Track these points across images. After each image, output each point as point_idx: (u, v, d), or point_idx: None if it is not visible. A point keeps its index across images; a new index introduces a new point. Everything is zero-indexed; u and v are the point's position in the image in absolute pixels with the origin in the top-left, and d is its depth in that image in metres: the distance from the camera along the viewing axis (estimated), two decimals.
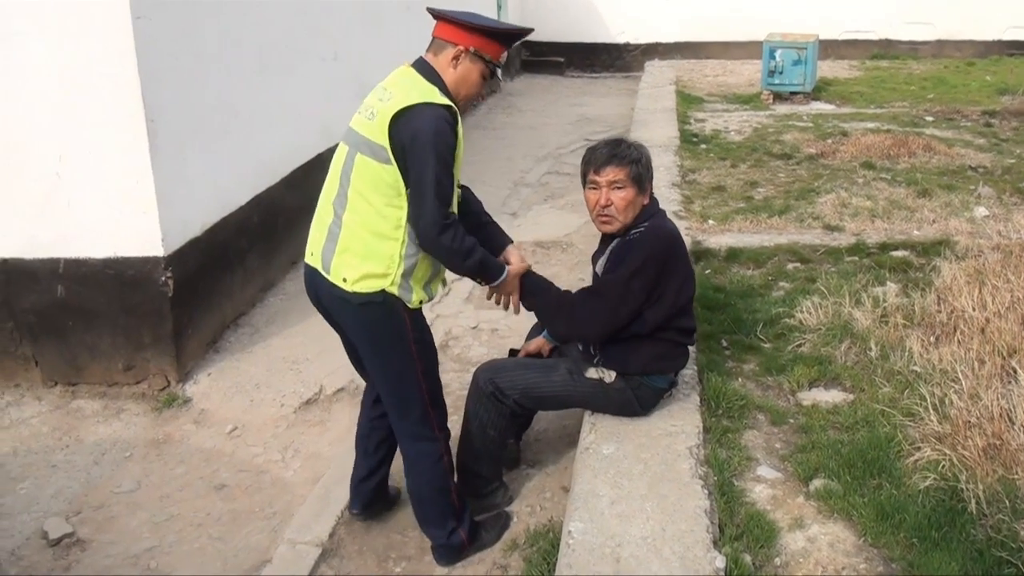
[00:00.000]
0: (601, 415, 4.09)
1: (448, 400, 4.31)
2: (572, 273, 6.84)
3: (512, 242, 3.92)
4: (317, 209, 3.64)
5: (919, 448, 3.92)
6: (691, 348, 4.35)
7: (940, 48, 16.63)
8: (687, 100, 12.89)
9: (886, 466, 3.87)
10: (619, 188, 3.82)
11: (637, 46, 17.54)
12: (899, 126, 10.86)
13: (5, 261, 5.39)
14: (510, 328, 6.00)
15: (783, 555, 3.42)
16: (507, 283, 3.74)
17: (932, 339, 4.92)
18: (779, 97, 12.85)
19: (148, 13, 5.05)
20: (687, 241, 6.53)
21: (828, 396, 4.59)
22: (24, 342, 5.50)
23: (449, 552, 3.91)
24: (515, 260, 3.81)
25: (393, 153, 3.31)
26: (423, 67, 3.51)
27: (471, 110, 13.40)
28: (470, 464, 4.12)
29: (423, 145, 3.27)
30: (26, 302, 5.43)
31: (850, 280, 5.80)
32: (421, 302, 3.56)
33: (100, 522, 4.35)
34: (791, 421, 4.35)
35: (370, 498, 4.15)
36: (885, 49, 16.79)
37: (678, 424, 4.03)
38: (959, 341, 4.82)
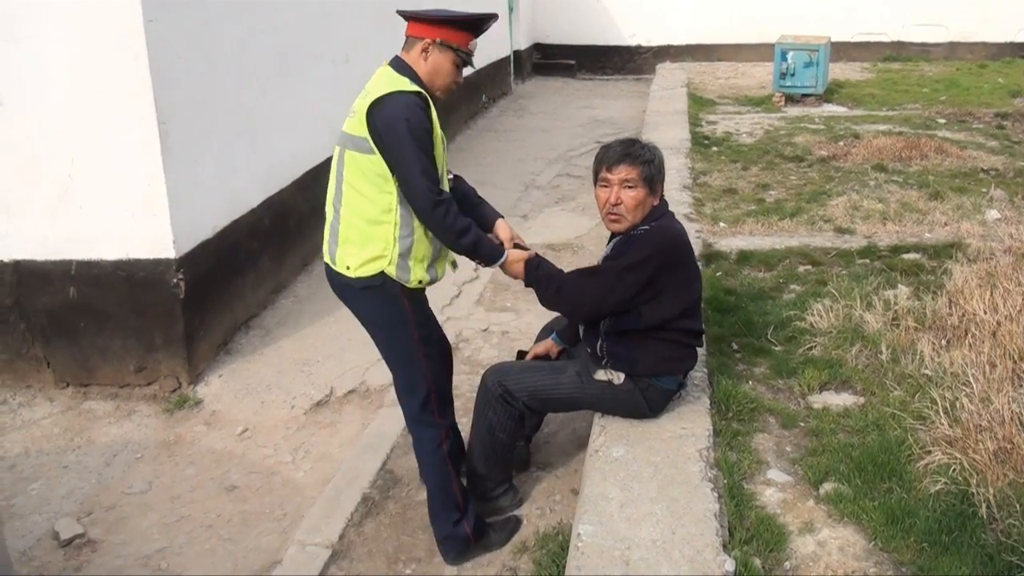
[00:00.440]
0: (611, 418, 4.09)
1: (458, 403, 4.38)
2: None
3: (502, 216, 4.00)
4: (326, 213, 3.80)
5: (930, 452, 3.90)
6: (700, 350, 4.35)
7: (952, 50, 16.59)
8: (698, 102, 12.88)
9: (896, 470, 3.86)
10: (630, 187, 3.82)
11: (649, 48, 17.54)
12: (911, 128, 10.84)
13: (17, 263, 5.41)
14: (520, 331, 6.00)
15: (793, 559, 3.41)
16: (509, 267, 3.84)
17: (943, 342, 4.91)
18: (791, 99, 12.83)
19: (160, 16, 5.07)
20: (698, 243, 6.56)
21: (839, 399, 4.57)
22: (36, 343, 5.53)
23: (454, 544, 3.95)
24: (504, 234, 3.91)
25: (374, 143, 3.49)
26: (398, 63, 3.68)
27: (482, 111, 13.43)
28: (479, 466, 4.12)
29: (397, 131, 3.45)
30: (38, 303, 5.45)
31: (861, 283, 5.78)
32: (421, 282, 3.69)
33: (111, 523, 4.36)
34: (801, 424, 4.34)
35: None
36: (897, 51, 16.76)
37: (688, 427, 4.02)
38: (970, 344, 4.80)
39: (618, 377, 3.93)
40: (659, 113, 11.90)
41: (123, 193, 5.21)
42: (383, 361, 5.36)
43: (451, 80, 3.69)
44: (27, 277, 5.43)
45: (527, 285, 3.90)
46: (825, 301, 5.46)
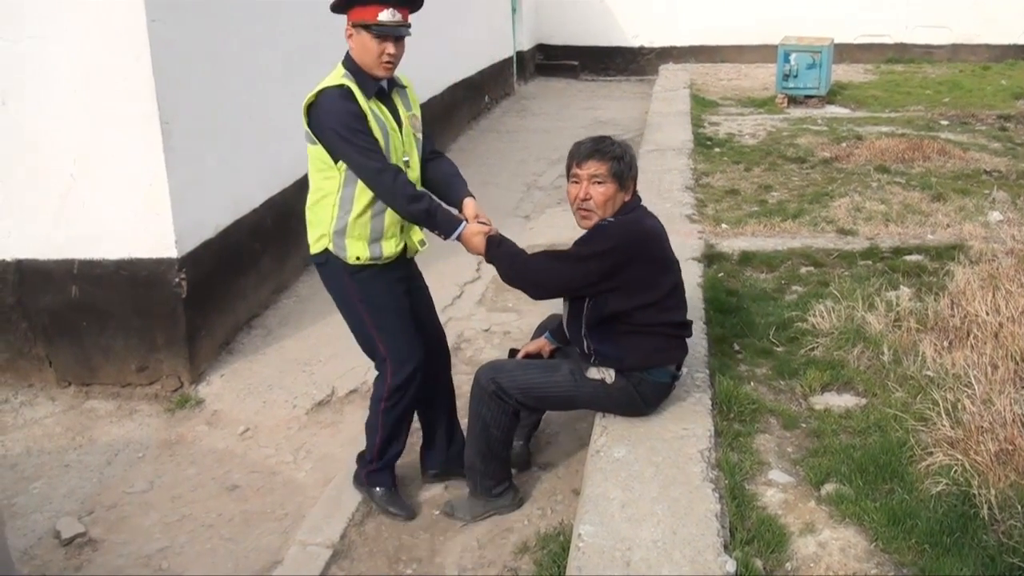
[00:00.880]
0: (612, 418, 4.09)
1: (460, 403, 4.36)
2: None
3: (472, 196, 4.09)
4: None
5: (931, 453, 3.89)
6: (704, 352, 4.34)
7: (955, 52, 16.58)
8: (701, 103, 12.88)
9: (898, 471, 3.86)
10: (599, 183, 3.86)
11: (651, 49, 17.54)
12: (914, 130, 10.83)
13: (20, 262, 5.42)
14: (522, 331, 6.00)
15: (794, 560, 3.40)
16: (467, 240, 3.93)
17: (945, 344, 4.90)
18: (793, 101, 12.83)
19: (163, 16, 5.08)
20: (700, 244, 6.57)
21: (840, 400, 4.57)
22: (38, 342, 5.53)
23: (357, 475, 4.39)
24: (469, 211, 4.00)
25: (314, 133, 3.85)
26: (345, 56, 3.92)
27: (484, 111, 13.44)
28: (477, 464, 4.13)
29: (326, 125, 3.77)
30: (40, 303, 5.46)
31: (863, 284, 5.78)
32: (359, 258, 3.93)
33: (112, 522, 4.36)
34: (803, 425, 4.34)
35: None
36: (900, 53, 16.76)
37: (690, 427, 4.02)
38: (972, 346, 4.80)
39: (610, 375, 3.94)
40: (662, 114, 11.91)
41: (126, 193, 5.22)
42: None
43: (378, 55, 3.81)
44: (29, 276, 5.43)
45: (488, 261, 3.96)
46: (827, 302, 5.45)
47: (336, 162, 3.83)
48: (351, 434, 4.94)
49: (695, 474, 3.68)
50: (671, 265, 4.03)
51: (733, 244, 6.80)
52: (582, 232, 3.96)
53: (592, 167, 3.86)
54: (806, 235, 7.03)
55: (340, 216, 3.89)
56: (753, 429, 4.25)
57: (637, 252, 3.83)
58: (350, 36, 3.84)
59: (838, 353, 4.97)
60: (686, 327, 4.13)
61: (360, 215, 3.88)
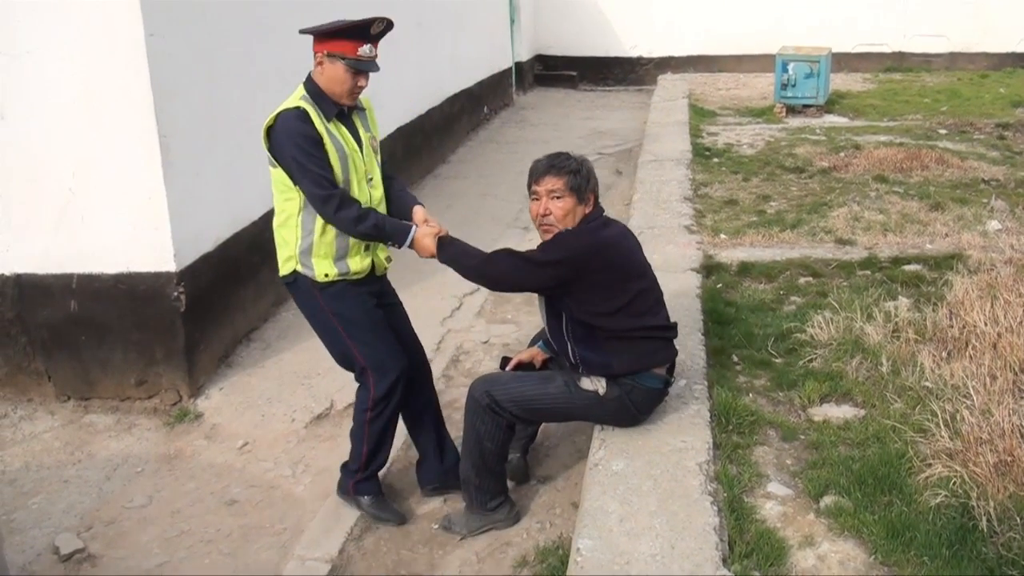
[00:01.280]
0: (611, 431, 4.09)
1: (458, 416, 4.36)
2: None
3: (421, 204, 4.21)
4: None
5: (930, 465, 3.89)
6: (702, 362, 4.35)
7: (953, 60, 16.60)
8: (700, 113, 12.89)
9: (897, 483, 3.85)
10: (558, 197, 3.92)
11: (650, 60, 17.57)
12: (912, 139, 10.84)
13: (19, 276, 5.43)
14: (521, 343, 5.99)
15: (793, 573, 3.40)
16: (418, 244, 3.98)
17: (944, 354, 4.90)
18: (792, 110, 12.84)
19: (161, 30, 5.09)
20: (698, 255, 6.56)
21: (839, 412, 4.57)
22: (37, 357, 5.54)
23: (342, 485, 4.40)
24: (419, 217, 4.08)
25: (273, 157, 3.92)
26: (307, 78, 3.99)
27: (484, 122, 13.46)
28: (472, 477, 4.13)
29: (283, 147, 3.84)
30: (39, 317, 5.46)
31: (862, 295, 5.78)
32: (327, 275, 4.00)
33: (111, 537, 4.36)
34: (802, 437, 4.33)
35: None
36: (898, 62, 16.78)
37: (688, 440, 4.02)
38: (971, 356, 4.80)
39: (602, 385, 3.95)
40: (660, 124, 11.92)
41: (124, 207, 5.23)
42: None
43: (349, 87, 3.92)
44: (28, 291, 5.44)
45: (441, 261, 4.01)
46: (826, 313, 5.45)
47: (295, 184, 3.90)
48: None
49: (694, 487, 3.68)
50: (636, 270, 4.03)
51: (732, 254, 6.80)
52: None
53: (550, 183, 3.93)
54: (805, 245, 7.03)
55: (304, 236, 3.98)
56: (752, 441, 4.25)
57: (594, 260, 3.87)
58: (320, 64, 3.89)
59: (837, 364, 4.96)
60: (669, 329, 4.13)
61: (323, 234, 3.97)
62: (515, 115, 14.58)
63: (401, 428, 4.41)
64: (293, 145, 3.80)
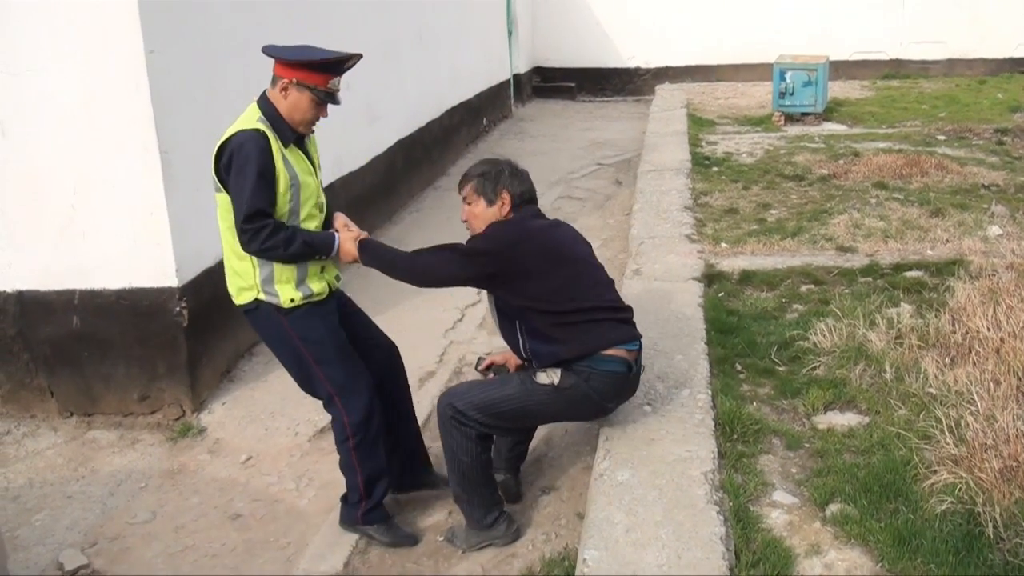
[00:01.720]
0: (615, 440, 4.09)
1: None
2: None
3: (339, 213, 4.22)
4: None
5: (935, 471, 3.89)
6: (691, 361, 4.33)
7: (951, 67, 16.62)
8: (698, 123, 12.91)
9: (903, 490, 3.85)
10: (468, 203, 4.09)
11: (648, 70, 17.59)
12: (911, 145, 10.85)
13: (20, 293, 5.43)
14: None
15: None
16: (341, 251, 3.99)
17: (947, 360, 4.90)
18: (790, 118, 12.85)
19: (161, 47, 5.10)
20: (699, 264, 6.56)
21: (843, 419, 4.56)
22: (40, 373, 5.53)
23: (348, 515, 4.28)
24: (340, 223, 4.10)
25: (220, 182, 3.82)
26: (262, 99, 3.92)
27: (483, 134, 13.47)
28: (461, 495, 4.11)
29: (231, 170, 3.74)
30: (41, 333, 5.46)
31: (864, 302, 5.78)
32: (293, 300, 3.93)
33: (115, 553, 4.35)
34: (807, 445, 4.33)
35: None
36: (896, 69, 16.79)
37: (693, 449, 4.02)
38: (974, 362, 4.80)
39: (556, 375, 3.91)
40: (659, 134, 11.93)
41: (126, 223, 5.23)
42: None
43: (311, 116, 3.91)
44: (30, 307, 5.44)
45: (364, 264, 4.04)
46: (828, 320, 5.46)
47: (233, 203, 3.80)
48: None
49: (699, 496, 3.67)
50: (567, 256, 4.03)
51: (733, 263, 6.80)
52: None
53: (463, 191, 4.11)
54: (806, 253, 7.03)
55: (262, 265, 3.89)
56: (756, 450, 4.25)
57: (520, 248, 3.93)
58: (285, 90, 3.83)
59: (840, 371, 4.96)
60: (618, 310, 4.10)
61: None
62: (514, 127, 14.60)
63: None
64: (246, 165, 3.71)
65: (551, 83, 17.76)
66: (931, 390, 4.65)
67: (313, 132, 4.08)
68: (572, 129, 14.32)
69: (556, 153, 12.42)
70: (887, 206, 8.20)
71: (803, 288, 6.32)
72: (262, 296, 3.92)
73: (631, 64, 17.70)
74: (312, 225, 3.97)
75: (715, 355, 5.13)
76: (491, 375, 4.30)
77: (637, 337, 4.12)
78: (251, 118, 3.84)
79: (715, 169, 10.14)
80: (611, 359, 3.95)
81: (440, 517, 4.44)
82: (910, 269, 6.50)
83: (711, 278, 6.47)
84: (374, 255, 4.04)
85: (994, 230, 7.28)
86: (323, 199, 4.12)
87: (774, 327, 5.61)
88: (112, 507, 4.72)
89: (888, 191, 8.75)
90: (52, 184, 5.25)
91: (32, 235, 5.34)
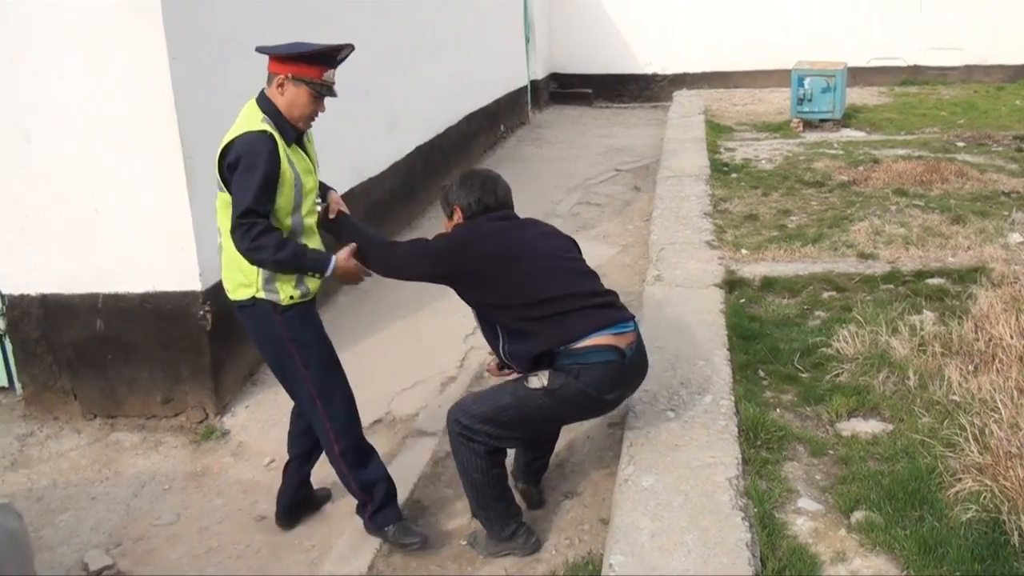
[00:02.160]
0: (639, 446, 4.09)
1: None
2: None
3: (333, 189, 4.26)
4: None
5: (960, 479, 3.88)
6: (715, 367, 4.32)
7: (969, 73, 16.58)
8: (716, 129, 12.90)
9: (927, 498, 3.84)
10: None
11: (665, 76, 17.60)
12: (930, 152, 10.82)
13: (44, 296, 5.46)
14: None
15: None
16: (343, 269, 3.94)
17: (970, 368, 4.89)
18: (809, 125, 12.84)
19: (184, 54, 5.13)
20: (720, 270, 6.56)
21: (867, 426, 4.56)
22: (63, 375, 5.57)
23: (366, 525, 4.30)
24: (334, 199, 4.17)
25: (223, 180, 3.81)
26: (261, 98, 3.92)
27: (500, 140, 13.50)
28: (476, 510, 4.11)
29: (235, 169, 3.72)
30: (65, 336, 5.50)
31: (886, 309, 5.77)
32: (292, 298, 3.94)
33: (140, 554, 4.37)
34: (831, 452, 4.33)
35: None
36: (914, 75, 16.76)
37: (717, 455, 4.02)
38: (998, 370, 4.79)
39: (544, 378, 3.85)
40: (677, 140, 11.93)
41: (150, 227, 5.26)
42: (409, 390, 5.41)
43: (309, 111, 3.91)
44: (54, 310, 5.47)
45: (372, 268, 4.08)
46: (851, 327, 5.45)
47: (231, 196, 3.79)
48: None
49: (724, 503, 3.67)
50: (526, 251, 3.99)
51: (754, 269, 6.80)
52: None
53: None
54: (827, 259, 7.02)
55: None
56: (781, 456, 4.25)
57: (469, 248, 3.95)
58: (281, 86, 3.84)
59: (863, 378, 4.96)
60: (592, 295, 3.99)
61: None
62: (531, 133, 14.61)
63: (429, 443, 4.40)
64: (250, 166, 3.70)
65: (568, 89, 17.79)
66: (955, 398, 4.64)
67: (310, 128, 4.07)
68: (589, 135, 14.33)
69: (574, 159, 12.43)
70: (907, 213, 8.19)
71: (825, 295, 6.31)
72: (261, 294, 3.91)
73: (648, 70, 17.71)
74: (311, 221, 4.00)
75: (737, 361, 5.13)
76: (506, 371, 4.25)
77: (623, 319, 3.97)
78: (254, 118, 3.84)
79: (734, 175, 10.14)
80: (595, 349, 3.83)
81: (464, 521, 4.43)
82: (932, 276, 6.48)
83: (732, 284, 6.47)
84: (373, 261, 4.07)
85: (1015, 237, 7.26)
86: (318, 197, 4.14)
87: (796, 333, 5.60)
88: (136, 508, 4.74)
89: (908, 198, 8.73)
90: (76, 188, 5.28)
91: (56, 239, 5.37)
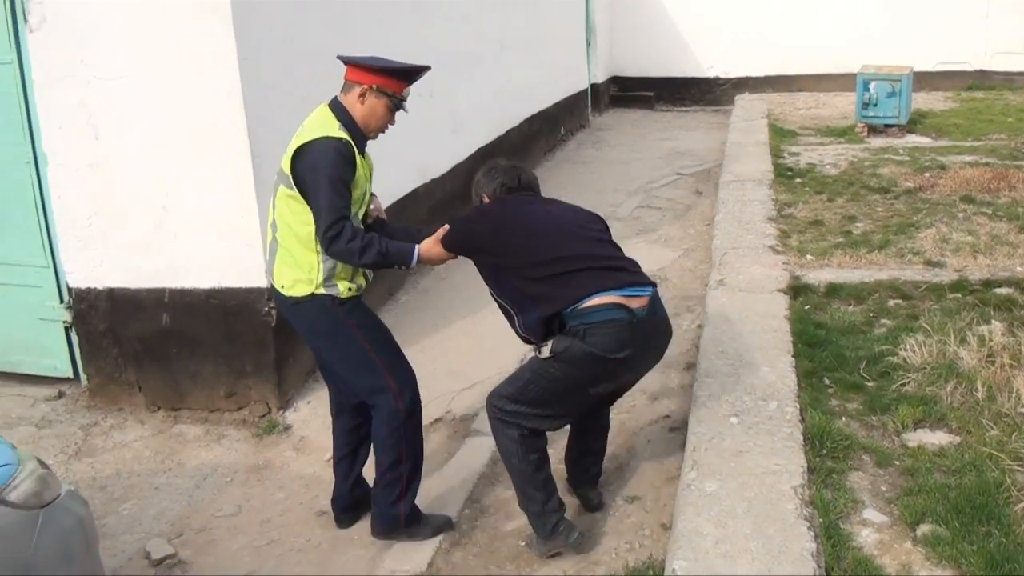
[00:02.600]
0: (702, 451, 4.06)
1: None
2: (666, 306, 6.77)
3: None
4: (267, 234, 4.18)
5: None
6: (779, 374, 4.38)
7: None
8: (780, 133, 12.75)
9: (995, 512, 3.76)
10: None
11: (727, 80, 17.45)
12: (998, 159, 10.60)
13: (112, 290, 5.56)
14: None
15: None
16: (427, 256, 4.07)
17: None
18: (873, 130, 12.65)
19: (253, 54, 5.19)
20: (784, 276, 6.48)
21: (934, 438, 4.48)
22: (129, 368, 5.66)
23: (386, 522, 4.26)
24: (374, 210, 4.25)
25: (295, 180, 3.87)
26: (335, 105, 4.02)
27: (560, 143, 13.49)
28: (521, 501, 4.10)
29: (317, 172, 3.80)
30: (132, 330, 5.59)
31: (954, 318, 5.66)
32: (349, 290, 4.03)
33: (201, 544, 4.43)
34: (896, 463, 4.26)
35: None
36: (980, 80, 16.44)
37: (782, 463, 3.97)
38: None
39: (550, 346, 3.86)
40: (740, 144, 11.82)
41: (217, 224, 5.33)
42: (468, 390, 5.40)
43: (384, 123, 4.06)
44: (120, 304, 5.57)
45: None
46: (918, 336, 5.36)
47: (310, 204, 3.87)
48: (437, 462, 4.95)
49: (789, 511, 3.63)
50: (537, 221, 4.03)
51: (819, 276, 6.71)
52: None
53: None
54: (893, 267, 6.91)
55: (326, 260, 3.95)
56: (846, 466, 4.19)
57: (498, 212, 4.11)
58: (362, 96, 3.95)
59: (930, 389, 4.87)
60: (603, 258, 3.96)
61: None
62: (591, 136, 14.57)
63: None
64: (327, 177, 3.79)
65: (629, 92, 17.69)
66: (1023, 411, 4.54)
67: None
68: (650, 139, 14.24)
69: (635, 162, 12.36)
70: (975, 220, 8.03)
71: (891, 302, 6.21)
72: (320, 290, 3.97)
73: (710, 74, 17.57)
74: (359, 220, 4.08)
75: (802, 368, 5.07)
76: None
77: (637, 283, 3.90)
78: (331, 124, 3.91)
79: (798, 180, 10.01)
80: (601, 308, 3.77)
81: (522, 521, 4.41)
82: (1000, 286, 6.35)
83: (797, 290, 6.39)
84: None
85: None
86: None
87: (862, 341, 5.51)
88: (198, 499, 4.81)
89: (976, 205, 8.56)
90: (144, 186, 5.37)
91: (124, 234, 5.47)
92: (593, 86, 16.11)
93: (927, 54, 15.98)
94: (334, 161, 3.80)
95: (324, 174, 3.79)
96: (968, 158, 10.67)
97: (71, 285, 5.66)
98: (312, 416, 5.46)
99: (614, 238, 4.19)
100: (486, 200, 4.20)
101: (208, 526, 4.58)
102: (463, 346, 6.39)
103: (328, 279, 3.97)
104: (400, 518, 4.23)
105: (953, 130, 12.70)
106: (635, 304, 3.82)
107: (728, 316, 5.74)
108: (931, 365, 5.07)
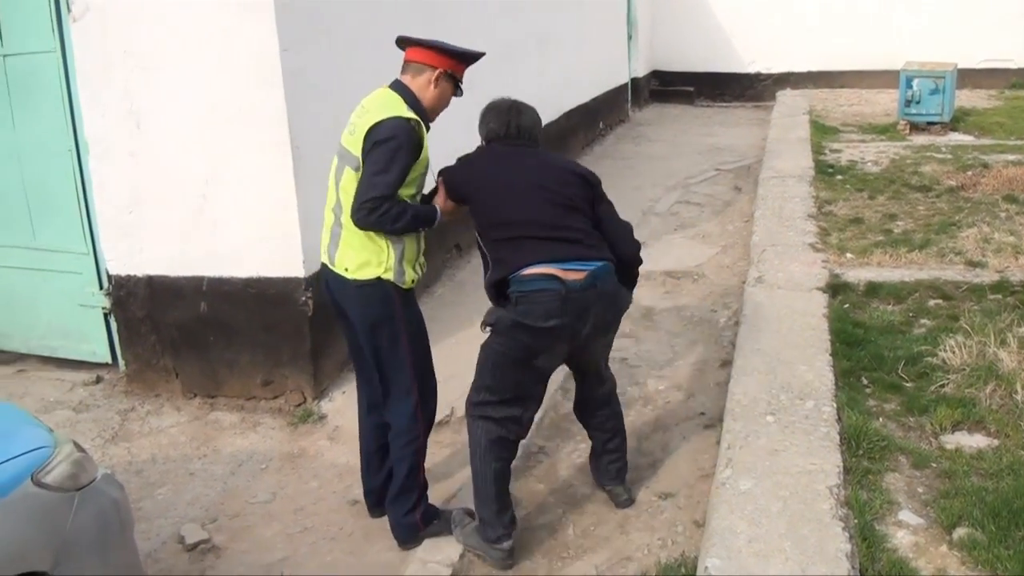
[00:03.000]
0: (737, 449, 4.03)
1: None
2: (703, 303, 6.77)
3: None
4: (324, 216, 4.13)
5: None
6: (816, 373, 4.27)
7: None
8: (821, 130, 12.63)
9: None
10: None
11: (768, 76, 17.30)
12: None
13: (151, 277, 5.62)
14: (640, 358, 5.95)
15: None
16: (445, 211, 4.10)
17: None
18: (916, 127, 12.49)
19: (294, 45, 5.21)
20: (824, 274, 6.43)
21: (972, 440, 4.42)
22: (166, 355, 5.71)
23: (405, 531, 4.23)
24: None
25: (368, 147, 3.81)
26: (399, 87, 4.00)
27: (599, 137, 13.45)
28: (476, 506, 4.09)
29: (382, 147, 3.76)
30: (170, 317, 5.64)
31: (994, 319, 5.58)
32: (413, 281, 4.04)
33: (235, 530, 4.47)
34: (933, 465, 4.21)
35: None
36: None
37: (817, 463, 3.94)
38: None
39: (488, 319, 3.91)
40: (780, 141, 11.72)
41: (256, 214, 5.36)
42: None
43: (445, 106, 4.11)
44: (159, 291, 5.62)
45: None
46: (957, 337, 5.29)
47: (363, 170, 3.82)
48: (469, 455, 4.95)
49: (824, 511, 3.60)
50: (498, 180, 4.03)
51: (859, 274, 6.64)
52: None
53: None
54: (934, 266, 6.83)
55: (396, 242, 3.92)
56: (883, 467, 4.15)
57: (473, 162, 4.19)
58: (434, 80, 3.96)
59: (969, 391, 4.81)
60: (549, 227, 3.88)
61: (412, 237, 4.01)
62: (631, 131, 14.50)
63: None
64: (399, 150, 3.76)
65: (669, 87, 17.60)
66: None
67: None
68: (690, 134, 14.15)
69: (675, 157, 12.29)
70: (1018, 221, 7.91)
71: (931, 303, 6.14)
72: (389, 275, 3.92)
73: (751, 69, 17.43)
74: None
75: (840, 368, 5.02)
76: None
77: (577, 257, 3.85)
78: (399, 105, 3.88)
79: (839, 177, 9.91)
80: (533, 278, 3.78)
81: (554, 516, 4.43)
82: None
83: (836, 288, 6.32)
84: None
85: None
86: None
87: (901, 341, 5.45)
88: (233, 486, 4.85)
89: (1019, 205, 8.43)
90: (185, 175, 5.41)
91: (164, 223, 5.52)
92: (633, 80, 16.04)
93: (971, 51, 15.75)
94: (405, 142, 3.78)
95: (387, 150, 3.76)
96: (1011, 157, 10.51)
97: (111, 272, 5.72)
98: (347, 406, 5.48)
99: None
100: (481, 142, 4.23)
101: (242, 512, 4.61)
102: None
103: (399, 262, 3.92)
104: (418, 525, 4.22)
105: (996, 128, 12.51)
106: (571, 276, 3.79)
107: (765, 313, 5.70)
108: (970, 367, 5.01)
